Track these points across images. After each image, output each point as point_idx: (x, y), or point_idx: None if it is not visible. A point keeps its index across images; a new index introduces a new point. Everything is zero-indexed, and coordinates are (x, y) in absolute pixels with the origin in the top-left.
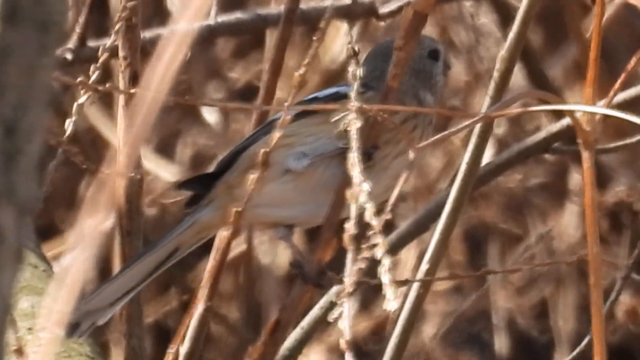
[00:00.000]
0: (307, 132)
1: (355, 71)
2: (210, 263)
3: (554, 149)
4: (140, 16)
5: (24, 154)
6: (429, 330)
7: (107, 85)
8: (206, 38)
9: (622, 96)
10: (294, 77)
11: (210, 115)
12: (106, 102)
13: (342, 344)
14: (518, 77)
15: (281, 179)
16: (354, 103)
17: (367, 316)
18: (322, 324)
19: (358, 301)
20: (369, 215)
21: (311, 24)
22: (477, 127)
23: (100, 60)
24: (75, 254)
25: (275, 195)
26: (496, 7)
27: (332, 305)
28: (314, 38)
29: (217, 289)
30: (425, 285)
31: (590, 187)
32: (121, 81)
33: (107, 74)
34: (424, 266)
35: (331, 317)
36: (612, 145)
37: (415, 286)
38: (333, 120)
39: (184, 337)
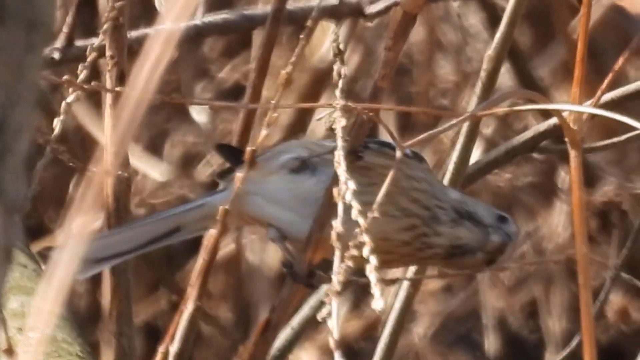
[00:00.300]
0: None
1: (340, 69)
2: (199, 262)
3: (541, 148)
4: (127, 16)
5: (12, 152)
6: (419, 329)
7: (95, 84)
8: (193, 38)
9: (609, 96)
10: (281, 76)
11: (198, 114)
12: (94, 101)
13: (331, 343)
14: (506, 77)
15: (284, 177)
16: (338, 101)
17: (359, 316)
18: (313, 324)
19: (349, 301)
20: (355, 214)
21: (298, 24)
22: (465, 127)
23: (88, 60)
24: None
25: (274, 189)
26: (484, 7)
27: (322, 305)
28: (301, 37)
29: (207, 289)
30: (415, 284)
31: (578, 186)
32: (108, 80)
33: (94, 73)
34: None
35: (320, 317)
36: (600, 144)
37: (405, 285)
38: (318, 119)
39: (173, 336)
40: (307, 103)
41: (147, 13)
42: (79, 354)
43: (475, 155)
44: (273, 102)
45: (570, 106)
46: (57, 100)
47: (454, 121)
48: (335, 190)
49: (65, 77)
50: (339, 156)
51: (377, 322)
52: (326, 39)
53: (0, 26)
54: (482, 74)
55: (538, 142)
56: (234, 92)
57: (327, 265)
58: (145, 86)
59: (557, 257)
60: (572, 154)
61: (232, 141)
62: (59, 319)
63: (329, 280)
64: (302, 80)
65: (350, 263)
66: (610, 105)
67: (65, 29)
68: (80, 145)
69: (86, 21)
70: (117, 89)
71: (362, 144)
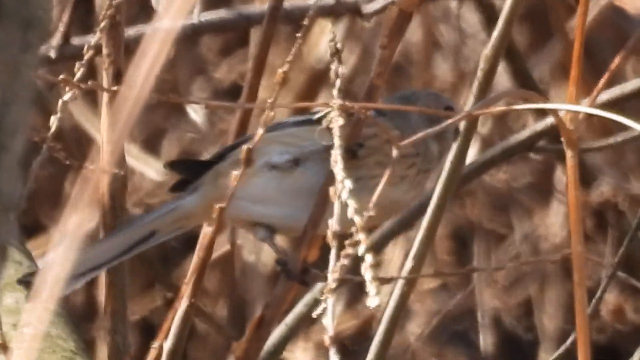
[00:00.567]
0: (306, 137)
1: (337, 69)
2: (194, 260)
3: (538, 147)
4: (124, 14)
5: (8, 151)
6: (415, 328)
7: (91, 82)
8: (190, 36)
9: (606, 95)
10: (277, 75)
11: (196, 114)
12: (91, 99)
13: (326, 340)
14: (503, 77)
15: (266, 175)
16: (336, 100)
17: (354, 314)
18: (307, 321)
19: (345, 299)
20: (351, 213)
21: (296, 23)
22: (461, 126)
23: (85, 58)
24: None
25: (258, 190)
26: (481, 7)
27: (316, 303)
28: (297, 36)
29: (202, 286)
30: (410, 282)
31: (574, 185)
32: (105, 79)
33: (91, 71)
34: (408, 264)
35: (315, 314)
36: (596, 144)
37: (400, 284)
38: (315, 117)
39: (167, 333)
40: (304, 102)
41: (144, 11)
42: (73, 350)
43: (472, 154)
44: (270, 101)
45: (567, 106)
46: (54, 98)
47: (450, 120)
48: (331, 189)
49: (62, 75)
50: (336, 155)
51: (372, 319)
52: (323, 38)
53: None
54: (479, 73)
55: (535, 142)
56: (232, 91)
57: (321, 263)
58: (141, 85)
59: (553, 256)
60: (569, 153)
61: (229, 140)
62: (54, 316)
63: (323, 278)
64: (299, 79)
65: (345, 261)
66: (607, 105)
67: (61, 27)
68: (77, 144)
69: (83, 19)
70: (114, 87)
71: (357, 142)
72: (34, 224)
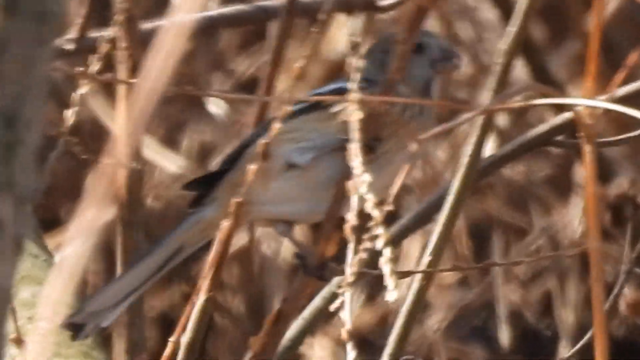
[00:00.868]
0: (311, 128)
1: (357, 63)
2: (211, 254)
3: (556, 142)
4: (141, 7)
5: (23, 144)
6: (433, 322)
7: (108, 75)
8: (207, 30)
9: (624, 90)
10: (294, 69)
11: (215, 107)
12: (107, 92)
13: (344, 334)
14: (521, 71)
15: (284, 176)
16: (354, 95)
17: (372, 308)
18: (324, 315)
19: (363, 293)
20: (369, 207)
21: (313, 17)
22: (479, 120)
23: (101, 51)
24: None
25: (279, 192)
26: (499, 1)
27: (334, 296)
28: (314, 30)
29: (220, 280)
30: (428, 277)
31: (592, 180)
32: (122, 72)
33: (107, 64)
34: (426, 258)
35: (333, 308)
36: (614, 138)
37: (418, 278)
38: (334, 112)
39: (185, 327)
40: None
41: (160, 4)
42: (89, 344)
43: (490, 148)
44: (287, 94)
45: (585, 100)
46: (70, 92)
47: (468, 115)
48: (349, 183)
49: (79, 68)
50: (355, 149)
51: (390, 314)
52: (340, 31)
53: (12, 18)
54: (496, 67)
55: (553, 136)
56: (250, 85)
57: (339, 257)
58: (158, 78)
59: (571, 251)
60: (586, 148)
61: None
62: (70, 310)
63: (341, 272)
64: (317, 72)
65: (364, 255)
66: (625, 100)
67: (78, 21)
68: (93, 137)
69: (99, 12)
70: (130, 80)
71: (374, 137)
72: (50, 218)
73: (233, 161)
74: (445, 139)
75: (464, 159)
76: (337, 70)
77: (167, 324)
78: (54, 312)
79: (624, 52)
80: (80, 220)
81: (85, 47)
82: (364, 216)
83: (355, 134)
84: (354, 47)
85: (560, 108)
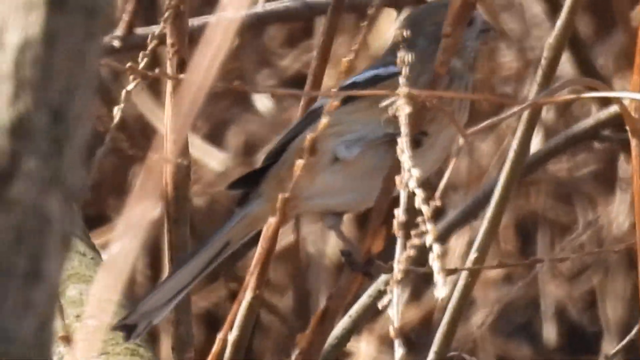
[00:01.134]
0: (354, 119)
1: (404, 57)
2: (257, 251)
3: (602, 136)
4: (188, 3)
5: (72, 140)
6: (477, 319)
7: (157, 71)
8: (254, 26)
9: None
10: (342, 63)
11: (261, 103)
12: (154, 89)
13: (392, 332)
14: (567, 65)
15: (331, 169)
16: (403, 88)
17: (415, 306)
18: (371, 313)
19: (406, 291)
20: (419, 202)
21: (360, 12)
22: (525, 115)
23: (149, 48)
24: (123, 241)
25: (327, 185)
26: None
27: (380, 294)
28: (362, 25)
29: (266, 277)
30: (474, 273)
31: (638, 174)
32: (169, 68)
33: (154, 61)
34: (472, 255)
35: (381, 305)
36: None
37: (464, 275)
38: (381, 105)
39: (232, 324)
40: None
41: (208, 1)
42: (136, 342)
43: (535, 143)
44: (334, 90)
45: (632, 94)
46: (117, 88)
47: (515, 109)
48: (397, 178)
49: (129, 64)
50: (404, 143)
51: (433, 312)
52: (388, 26)
53: (60, 13)
54: (543, 62)
55: (598, 131)
56: (296, 81)
57: (385, 254)
58: (205, 74)
59: (617, 246)
60: (633, 142)
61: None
62: (117, 307)
63: (388, 269)
64: (364, 67)
65: (412, 251)
66: None
67: (125, 17)
68: (140, 134)
69: (146, 9)
70: (179, 76)
71: (421, 131)
72: (97, 215)
73: (276, 156)
74: (490, 133)
75: (510, 154)
76: None
77: (212, 321)
78: (102, 310)
79: None
80: (127, 217)
81: (133, 44)
82: (410, 212)
83: (404, 128)
84: (402, 40)
85: (605, 102)
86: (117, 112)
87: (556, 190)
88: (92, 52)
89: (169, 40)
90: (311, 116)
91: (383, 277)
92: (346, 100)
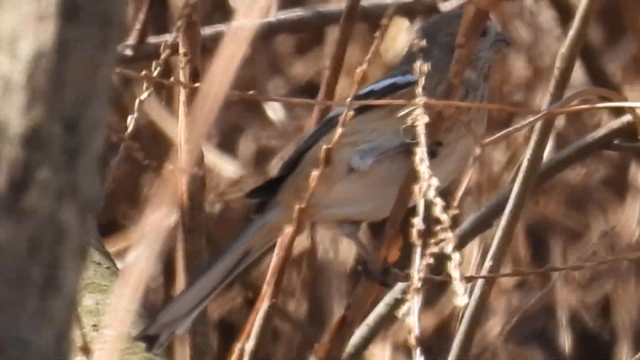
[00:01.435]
0: (370, 129)
1: (420, 67)
2: (274, 260)
3: (614, 145)
4: (200, 13)
5: (86, 150)
6: (493, 326)
7: (170, 79)
8: (266, 35)
9: None
10: (356, 73)
11: (273, 111)
12: (167, 98)
13: (411, 340)
14: (578, 73)
15: (347, 178)
16: (420, 98)
17: (430, 314)
18: (387, 321)
19: (422, 298)
20: (438, 211)
21: (373, 21)
22: (538, 125)
23: (162, 57)
24: (139, 251)
25: (343, 194)
26: (556, 4)
27: (397, 302)
28: (376, 35)
29: (282, 286)
30: (489, 281)
31: None
32: (181, 77)
33: (167, 71)
34: (488, 263)
35: (399, 314)
36: None
37: (480, 283)
38: (399, 115)
39: (249, 334)
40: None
41: (220, 10)
42: (153, 351)
43: (548, 151)
44: (350, 99)
45: None
46: (130, 98)
47: (530, 119)
48: (416, 187)
49: (140, 73)
50: (422, 153)
51: (449, 319)
52: (401, 36)
53: (73, 23)
54: (556, 72)
55: (611, 140)
56: (308, 90)
57: (402, 262)
58: (220, 83)
59: (630, 254)
60: None
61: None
62: (134, 317)
63: (404, 278)
64: (377, 77)
65: (430, 260)
66: None
67: (137, 26)
68: (154, 143)
69: (158, 18)
70: (193, 84)
71: (436, 141)
72: (111, 224)
73: (293, 165)
74: (502, 141)
75: (524, 163)
76: None
77: (227, 329)
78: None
79: None
80: (143, 226)
81: (145, 53)
82: (426, 221)
83: (421, 138)
84: (418, 50)
85: (617, 110)
86: (130, 121)
87: (569, 197)
88: (105, 61)
89: (181, 49)
90: (327, 125)
91: (400, 286)
92: (362, 109)
